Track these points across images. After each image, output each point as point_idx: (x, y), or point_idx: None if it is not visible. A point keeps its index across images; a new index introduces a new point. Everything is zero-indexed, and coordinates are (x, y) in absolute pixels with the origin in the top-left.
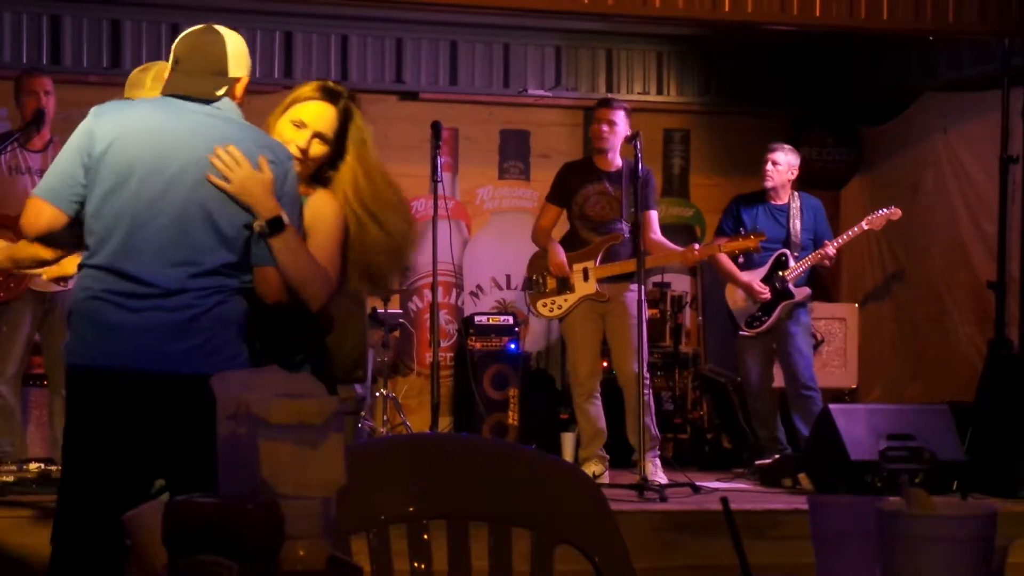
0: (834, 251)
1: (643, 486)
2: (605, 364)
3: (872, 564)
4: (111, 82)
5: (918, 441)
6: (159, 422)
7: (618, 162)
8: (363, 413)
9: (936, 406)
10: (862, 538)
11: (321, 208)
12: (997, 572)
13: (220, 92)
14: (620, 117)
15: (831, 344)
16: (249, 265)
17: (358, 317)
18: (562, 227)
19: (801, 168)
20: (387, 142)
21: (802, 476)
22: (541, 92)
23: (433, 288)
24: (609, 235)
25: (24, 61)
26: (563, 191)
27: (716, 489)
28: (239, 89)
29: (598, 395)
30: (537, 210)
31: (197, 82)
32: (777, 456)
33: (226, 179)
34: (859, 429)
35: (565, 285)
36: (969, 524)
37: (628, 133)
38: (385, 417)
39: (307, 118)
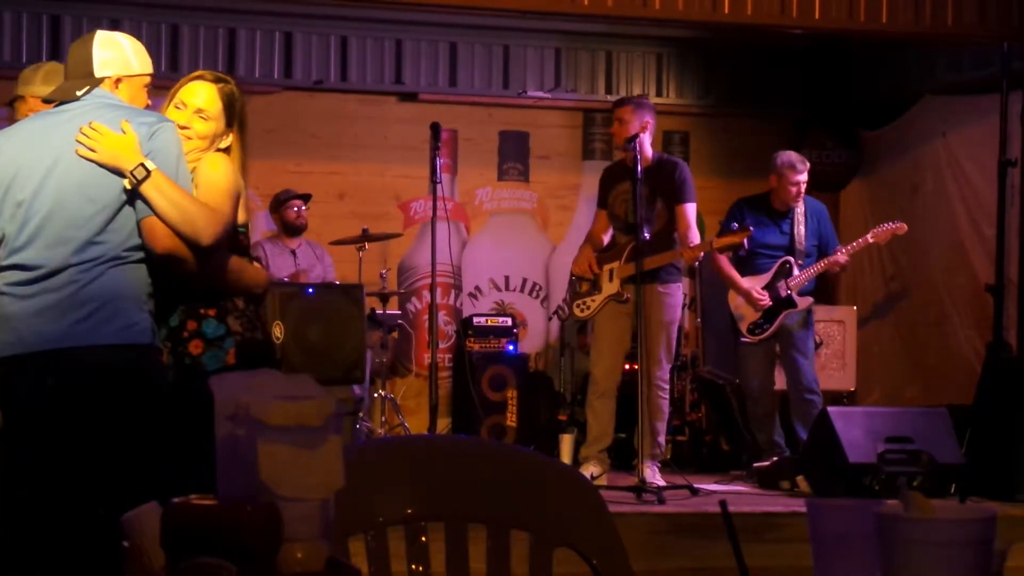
0: (845, 259)
1: (641, 488)
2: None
3: (871, 567)
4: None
5: (916, 444)
6: (61, 399)
7: (647, 157)
8: (361, 414)
9: (934, 409)
10: (861, 541)
11: (208, 167)
12: (996, 575)
13: (81, 92)
14: (627, 113)
15: (830, 347)
16: (136, 232)
17: (357, 318)
18: None
19: None
20: (386, 143)
21: (800, 479)
22: (540, 94)
23: (432, 289)
24: (633, 234)
25: (24, 61)
26: (601, 193)
27: (714, 491)
28: (122, 85)
29: (612, 396)
30: (535, 212)
31: (67, 87)
32: (775, 459)
33: (92, 151)
34: (857, 432)
35: (596, 286)
36: (968, 528)
37: (641, 127)
38: (383, 418)
39: (186, 98)
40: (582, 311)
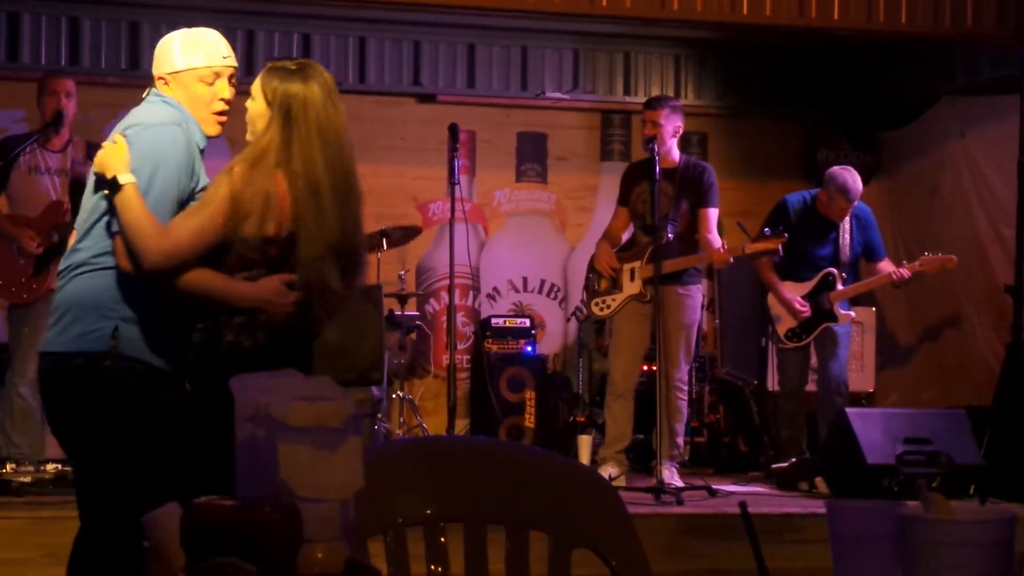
0: (909, 274)
1: (660, 489)
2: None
3: (890, 568)
4: (130, 84)
5: (935, 445)
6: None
7: (674, 159)
8: (380, 415)
9: (953, 410)
10: (880, 542)
11: (210, 184)
12: None
13: (144, 94)
14: (663, 117)
15: (848, 348)
16: (104, 244)
17: (375, 319)
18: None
19: (820, 172)
20: (404, 144)
21: (819, 480)
22: (559, 95)
23: (450, 290)
24: (658, 235)
25: (43, 63)
26: (623, 191)
27: (732, 493)
28: (172, 84)
29: (630, 397)
30: (553, 213)
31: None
32: (794, 460)
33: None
34: (876, 433)
35: (615, 285)
36: (989, 529)
37: (675, 132)
38: (401, 419)
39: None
40: (601, 310)
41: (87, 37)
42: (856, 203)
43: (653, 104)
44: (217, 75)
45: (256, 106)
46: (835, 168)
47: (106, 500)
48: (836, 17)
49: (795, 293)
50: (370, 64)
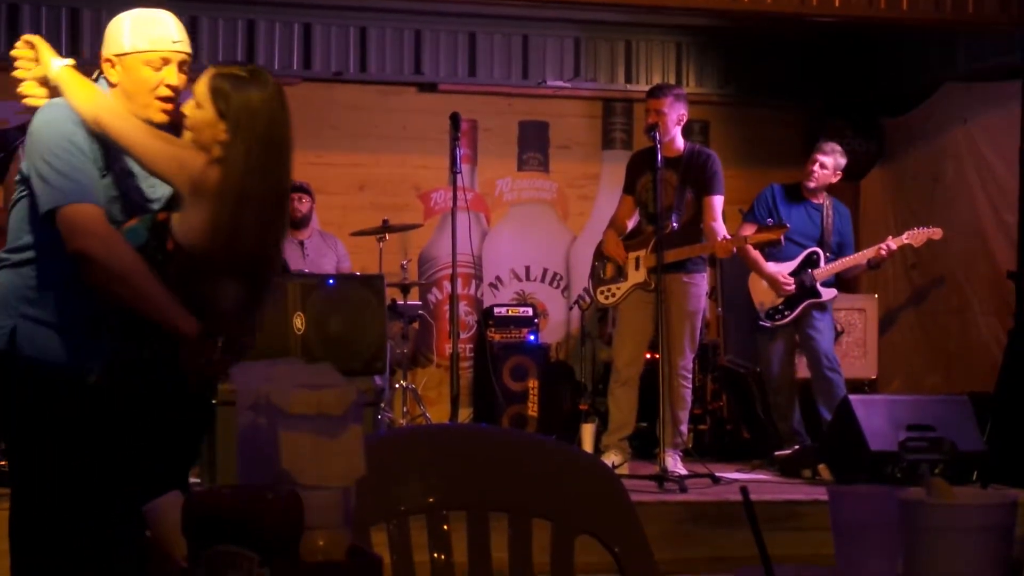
0: (896, 246)
1: (663, 477)
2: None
3: (892, 554)
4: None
5: (938, 432)
6: None
7: (678, 148)
8: (382, 404)
9: (956, 396)
10: (882, 528)
11: None
12: (1018, 562)
13: (94, 76)
14: (667, 105)
15: (851, 335)
16: (24, 238)
17: (377, 309)
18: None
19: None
20: (406, 134)
21: (822, 467)
22: (560, 83)
23: (452, 279)
24: (663, 224)
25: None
26: (629, 179)
27: (736, 480)
28: (117, 66)
29: (634, 385)
30: (555, 202)
31: None
32: (797, 447)
33: None
34: (879, 420)
35: (620, 273)
36: (990, 514)
37: (679, 120)
38: (405, 408)
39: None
40: (607, 298)
41: (88, 28)
42: (836, 201)
43: (656, 93)
44: (165, 61)
45: (203, 115)
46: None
47: (17, 494)
48: (838, 4)
49: (779, 270)
50: (371, 53)
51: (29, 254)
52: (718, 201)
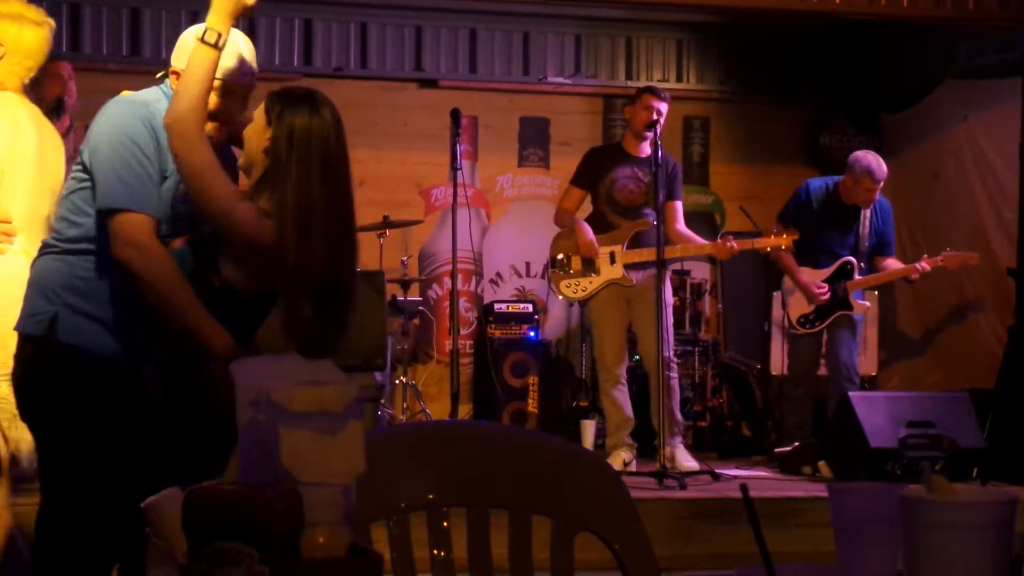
0: (930, 267)
1: (663, 474)
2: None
3: (892, 551)
4: (131, 70)
5: (938, 429)
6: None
7: (647, 149)
8: (383, 401)
9: (956, 393)
10: (882, 525)
11: None
12: (1018, 559)
13: (158, 74)
14: (665, 109)
15: None
16: (77, 228)
17: (378, 305)
18: (584, 211)
19: (823, 156)
20: (406, 130)
21: (822, 464)
22: (561, 80)
23: (453, 276)
24: (639, 220)
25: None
26: (590, 174)
27: (736, 477)
28: (172, 78)
29: (624, 382)
30: (557, 198)
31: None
32: (797, 444)
33: None
34: (879, 417)
35: (591, 267)
36: (990, 511)
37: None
38: (405, 405)
39: None
40: (574, 292)
41: (88, 23)
42: (879, 195)
43: (661, 95)
44: (229, 92)
45: (255, 126)
46: (858, 152)
47: (48, 479)
48: (838, 1)
49: (813, 279)
50: (372, 50)
51: (84, 245)
52: (680, 206)
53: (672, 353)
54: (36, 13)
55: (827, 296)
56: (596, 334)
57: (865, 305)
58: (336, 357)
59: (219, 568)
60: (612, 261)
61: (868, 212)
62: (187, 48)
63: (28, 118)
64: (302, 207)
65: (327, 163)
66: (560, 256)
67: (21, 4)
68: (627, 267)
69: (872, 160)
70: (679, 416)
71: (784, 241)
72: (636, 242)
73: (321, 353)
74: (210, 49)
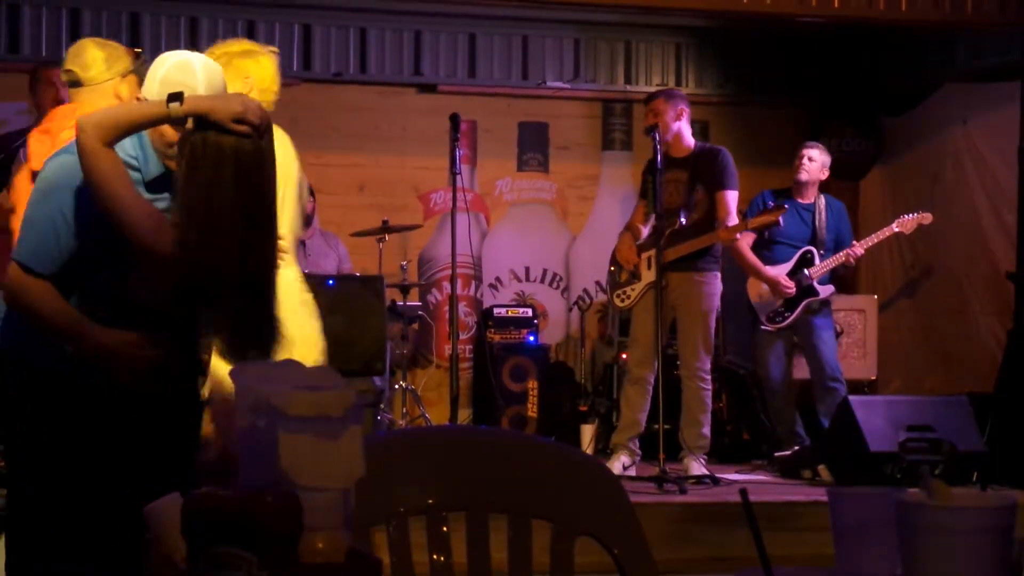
0: (862, 251)
1: (663, 478)
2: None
3: (892, 555)
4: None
5: (938, 432)
6: None
7: (688, 145)
8: (382, 405)
9: (956, 397)
10: (882, 529)
11: None
12: (1017, 563)
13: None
14: (660, 104)
15: (850, 335)
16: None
17: (377, 310)
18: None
19: None
20: (406, 135)
21: (821, 468)
22: (560, 84)
23: (452, 280)
24: (673, 221)
25: (43, 54)
26: (642, 184)
27: (735, 481)
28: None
29: (645, 385)
30: (555, 202)
31: None
32: (796, 448)
33: None
34: (878, 421)
35: (635, 275)
36: (989, 515)
37: (676, 116)
38: (404, 409)
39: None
40: (622, 301)
41: (88, 29)
42: (829, 196)
43: (649, 98)
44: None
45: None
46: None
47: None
48: (837, 5)
49: (778, 273)
50: (371, 54)
51: None
52: (730, 196)
53: (706, 365)
54: (260, 45)
55: (793, 289)
56: (630, 335)
57: (830, 289)
58: (268, 354)
59: (218, 572)
60: (649, 266)
61: (823, 206)
62: (158, 82)
63: (287, 143)
64: (205, 210)
65: (238, 166)
66: (612, 268)
67: (246, 41)
68: (662, 268)
69: (810, 143)
70: (706, 431)
71: (774, 216)
72: (670, 243)
73: (244, 352)
74: (167, 114)
